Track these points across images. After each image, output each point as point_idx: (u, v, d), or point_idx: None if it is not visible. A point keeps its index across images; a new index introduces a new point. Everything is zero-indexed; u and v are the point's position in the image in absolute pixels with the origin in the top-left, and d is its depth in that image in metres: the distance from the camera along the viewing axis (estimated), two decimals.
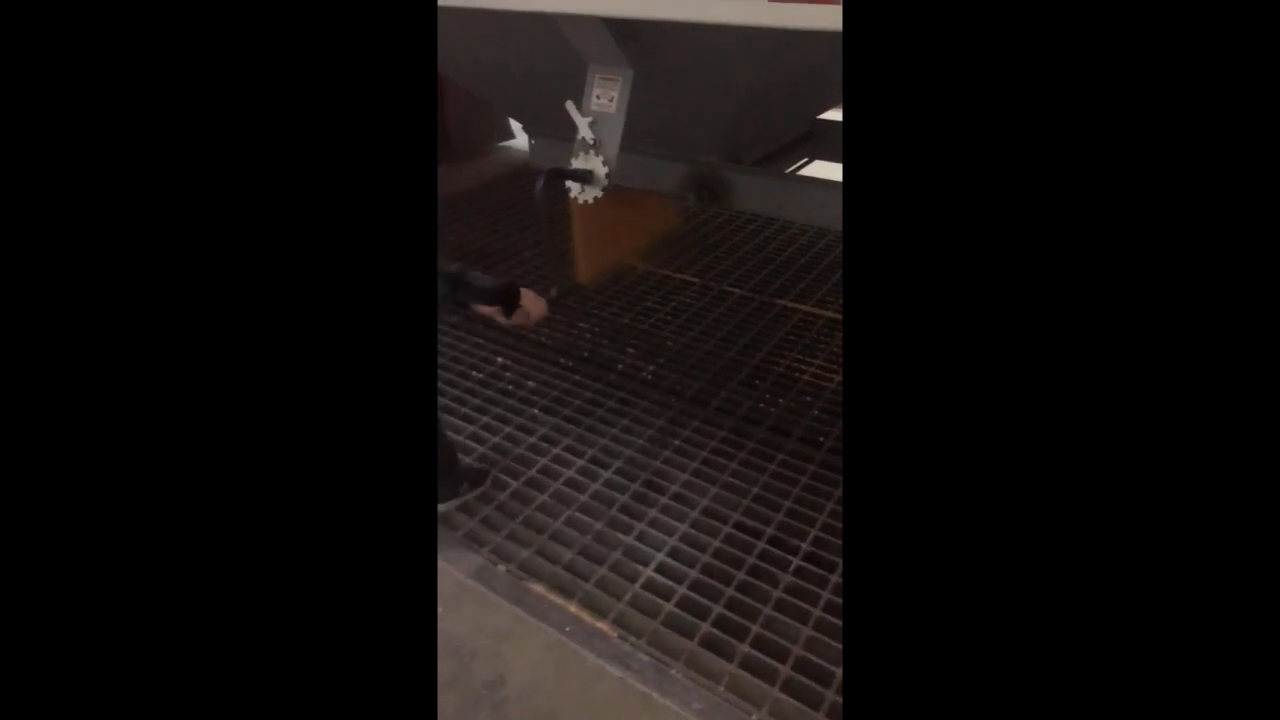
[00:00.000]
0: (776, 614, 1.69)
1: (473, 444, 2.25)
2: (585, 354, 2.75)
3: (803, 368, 2.64)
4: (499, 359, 2.71)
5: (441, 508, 1.99)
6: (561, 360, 2.71)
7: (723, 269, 3.37)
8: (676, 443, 2.25)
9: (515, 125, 4.96)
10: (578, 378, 2.59)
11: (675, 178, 2.60)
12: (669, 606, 1.71)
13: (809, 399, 2.46)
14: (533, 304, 1.59)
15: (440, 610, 1.72)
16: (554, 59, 2.08)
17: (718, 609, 1.70)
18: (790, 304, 3.08)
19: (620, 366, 2.67)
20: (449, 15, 1.98)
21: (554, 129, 2.75)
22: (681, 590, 1.75)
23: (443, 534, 1.93)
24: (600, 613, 1.70)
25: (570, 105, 1.98)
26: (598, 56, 1.94)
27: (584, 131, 1.98)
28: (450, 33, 2.23)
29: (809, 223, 3.46)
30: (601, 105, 1.98)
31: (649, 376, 2.61)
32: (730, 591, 1.74)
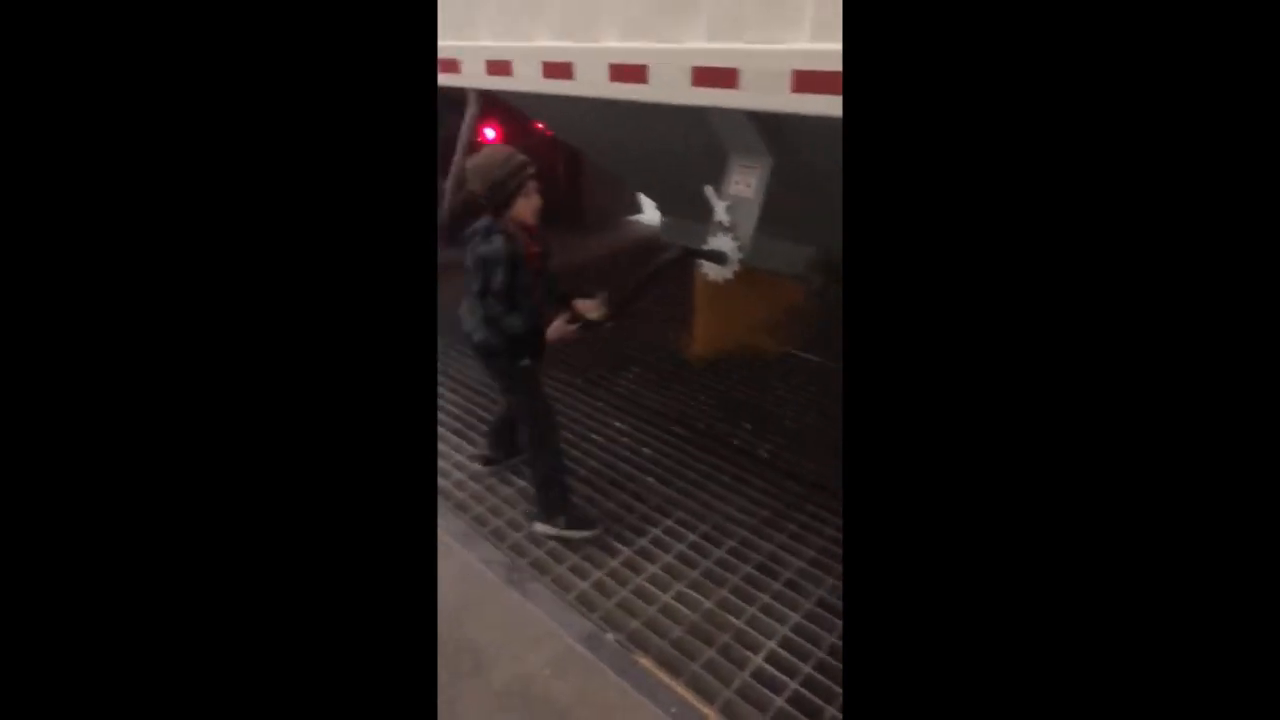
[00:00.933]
0: None
1: (589, 507, 2.30)
2: (700, 426, 2.76)
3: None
4: (616, 424, 2.78)
5: (538, 528, 2.17)
6: (677, 429, 2.74)
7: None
8: (792, 527, 2.20)
9: (645, 201, 5.21)
10: (692, 450, 2.61)
11: (802, 260, 2.63)
12: (780, 701, 1.64)
13: None
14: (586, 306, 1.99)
15: (548, 673, 1.74)
16: (696, 145, 2.20)
17: (831, 710, 1.61)
18: None
19: (736, 442, 2.66)
20: (600, 104, 2.15)
21: (686, 208, 2.87)
22: (793, 686, 1.68)
23: (554, 593, 1.96)
24: (707, 697, 1.65)
25: (709, 190, 2.07)
26: (740, 145, 2.03)
27: (720, 214, 2.06)
28: (600, 118, 2.42)
29: None
30: (739, 190, 2.05)
31: (765, 455, 2.58)
32: None
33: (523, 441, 2.19)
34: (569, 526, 2.15)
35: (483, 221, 1.91)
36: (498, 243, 1.84)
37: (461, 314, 2.02)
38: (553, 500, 2.14)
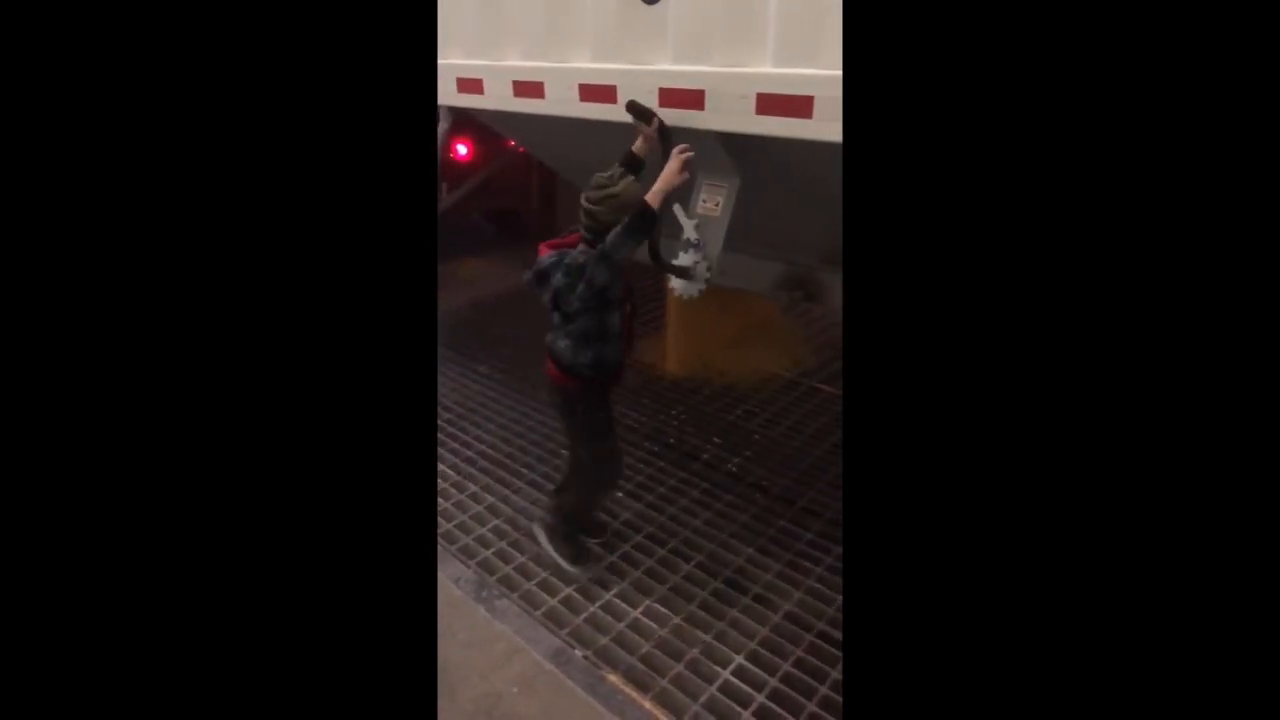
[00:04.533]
0: None
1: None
2: (670, 440, 2.78)
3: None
4: None
5: (536, 532, 2.17)
6: (647, 445, 2.75)
7: (812, 365, 3.37)
8: (761, 541, 2.21)
9: None
10: (662, 464, 2.62)
11: (772, 277, 2.68)
12: (746, 715, 1.65)
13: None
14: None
15: (516, 691, 1.73)
16: (663, 164, 2.24)
17: None
18: None
19: (705, 456, 2.68)
20: (571, 123, 2.18)
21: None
22: (760, 699, 1.69)
23: (522, 609, 1.95)
24: (675, 713, 1.66)
25: (677, 208, 2.11)
26: (707, 165, 2.07)
27: (689, 233, 2.09)
28: (572, 136, 2.45)
29: None
30: (707, 209, 2.09)
31: (734, 469, 2.60)
32: (812, 707, 1.66)
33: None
34: (562, 555, 2.10)
35: (553, 255, 1.82)
36: (579, 254, 1.76)
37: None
38: (564, 530, 2.12)
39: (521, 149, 3.41)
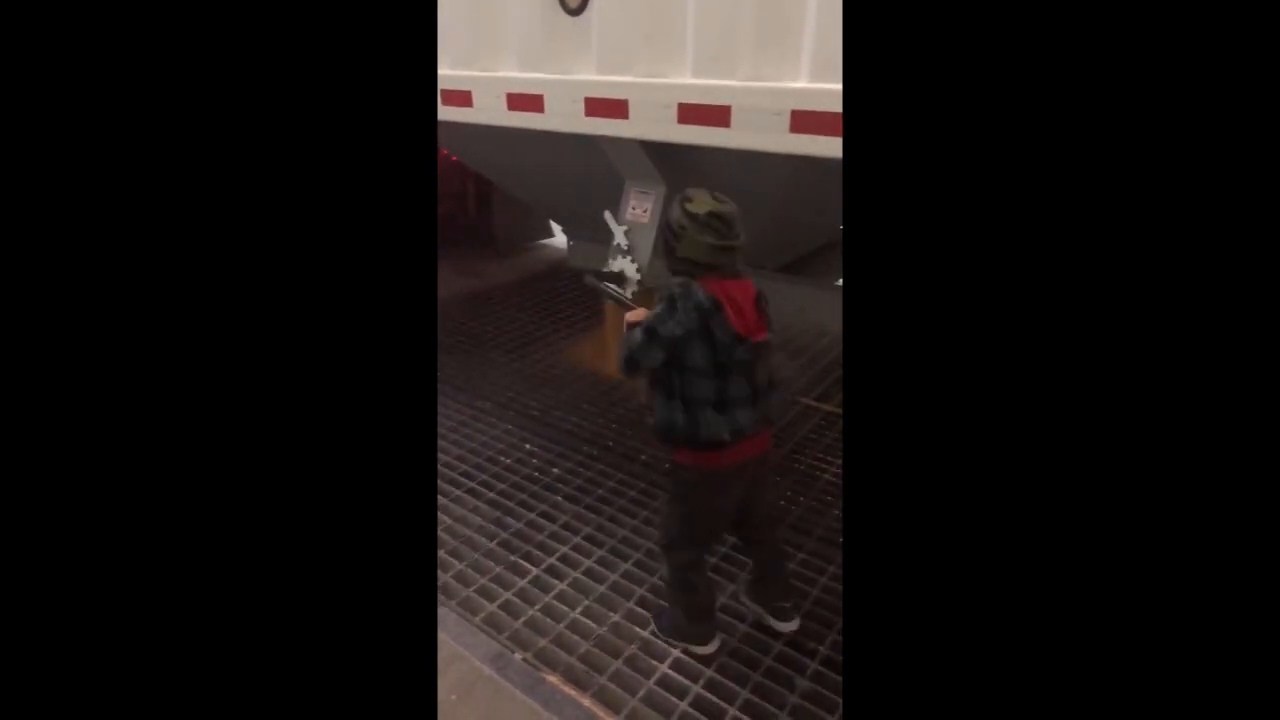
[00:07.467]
0: None
1: (497, 529, 2.30)
2: (609, 444, 2.81)
3: (824, 467, 2.67)
4: (526, 445, 2.79)
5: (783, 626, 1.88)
6: (585, 449, 2.77)
7: None
8: None
9: (554, 225, 5.26)
10: (601, 467, 2.65)
11: None
12: (683, 706, 1.69)
13: (830, 498, 2.48)
14: None
15: (454, 698, 1.73)
16: (594, 172, 2.28)
17: (733, 710, 1.68)
18: (812, 403, 3.14)
19: (643, 457, 2.72)
20: (501, 132, 2.21)
21: (590, 232, 2.95)
22: (696, 689, 1.74)
23: (461, 616, 1.95)
24: (614, 709, 1.69)
25: (608, 215, 2.16)
26: (635, 173, 2.12)
27: (619, 239, 2.15)
28: (502, 145, 2.47)
29: (830, 325, 3.57)
30: (636, 216, 2.15)
31: (669, 467, 2.65)
32: (745, 694, 1.72)
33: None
34: (672, 634, 1.85)
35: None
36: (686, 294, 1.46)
37: None
38: (665, 610, 1.87)
39: (454, 158, 3.40)
